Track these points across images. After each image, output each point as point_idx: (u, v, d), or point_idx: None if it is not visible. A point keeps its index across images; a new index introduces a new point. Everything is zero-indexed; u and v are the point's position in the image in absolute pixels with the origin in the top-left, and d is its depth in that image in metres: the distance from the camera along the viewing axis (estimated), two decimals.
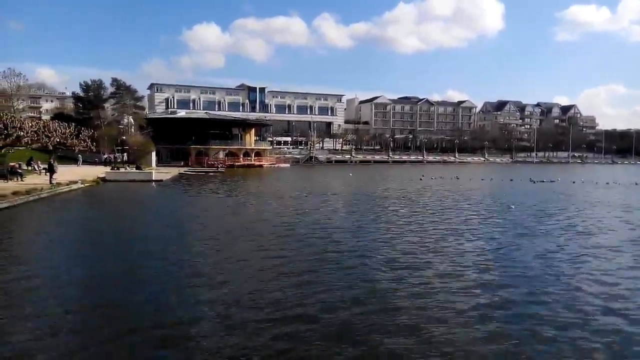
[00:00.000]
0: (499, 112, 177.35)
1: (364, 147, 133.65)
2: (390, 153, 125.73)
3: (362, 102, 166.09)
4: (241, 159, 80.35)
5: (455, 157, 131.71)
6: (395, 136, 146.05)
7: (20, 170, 36.40)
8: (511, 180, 51.37)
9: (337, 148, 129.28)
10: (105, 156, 61.95)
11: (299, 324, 8.27)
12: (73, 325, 8.17)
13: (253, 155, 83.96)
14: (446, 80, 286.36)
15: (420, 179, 51.69)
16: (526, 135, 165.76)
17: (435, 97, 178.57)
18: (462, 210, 24.51)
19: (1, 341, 7.48)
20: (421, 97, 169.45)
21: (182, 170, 60.02)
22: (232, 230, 18.06)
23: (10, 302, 9.34)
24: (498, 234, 17.51)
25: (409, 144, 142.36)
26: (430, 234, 17.42)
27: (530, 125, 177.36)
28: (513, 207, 25.76)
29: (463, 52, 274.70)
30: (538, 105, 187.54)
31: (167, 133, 75.51)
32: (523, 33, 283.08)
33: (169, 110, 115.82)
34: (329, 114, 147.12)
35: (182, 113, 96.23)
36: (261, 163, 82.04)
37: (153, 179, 42.92)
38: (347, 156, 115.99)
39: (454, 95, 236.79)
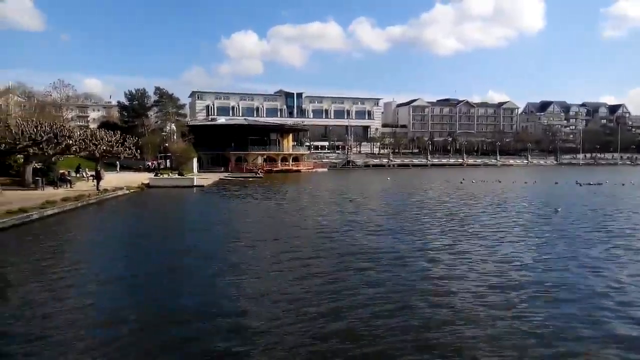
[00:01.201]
0: (542, 113, 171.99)
1: (402, 151, 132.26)
2: (429, 156, 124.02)
3: (399, 105, 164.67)
4: (279, 164, 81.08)
5: (496, 159, 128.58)
6: (434, 139, 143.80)
7: (69, 178, 37.89)
8: (556, 183, 49.68)
9: (374, 152, 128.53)
10: (148, 163, 63.81)
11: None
12: (119, 318, 8.47)
13: (291, 160, 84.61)
14: (486, 81, 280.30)
15: (461, 183, 50.71)
16: (571, 136, 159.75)
17: (475, 99, 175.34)
18: (505, 215, 23.85)
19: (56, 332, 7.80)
20: (460, 99, 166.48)
21: (222, 175, 61.14)
22: (278, 235, 18.21)
23: (64, 298, 9.74)
24: (545, 239, 16.91)
25: (449, 147, 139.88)
26: (474, 238, 17.02)
27: (575, 126, 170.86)
28: (559, 210, 24.86)
29: (504, 52, 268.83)
30: (584, 105, 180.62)
31: (208, 139, 77.13)
32: (566, 30, 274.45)
33: (210, 117, 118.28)
34: (366, 117, 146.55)
35: (222, 120, 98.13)
36: (299, 168, 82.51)
37: (195, 184, 43.86)
38: (384, 160, 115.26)
39: (495, 97, 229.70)
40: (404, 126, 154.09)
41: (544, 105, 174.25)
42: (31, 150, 32.18)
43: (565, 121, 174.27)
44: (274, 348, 7.50)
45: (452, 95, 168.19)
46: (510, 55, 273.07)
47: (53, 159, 37.49)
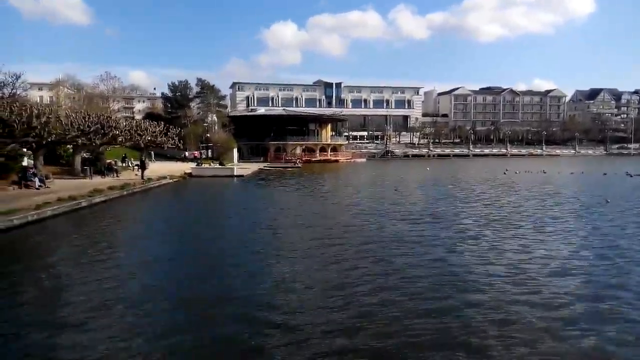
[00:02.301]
0: (591, 101, 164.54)
1: (443, 141, 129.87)
2: (471, 146, 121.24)
3: (440, 94, 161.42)
4: (318, 154, 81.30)
5: (542, 149, 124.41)
6: (477, 128, 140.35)
7: (116, 167, 39.29)
8: (604, 174, 47.58)
9: (414, 142, 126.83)
10: (187, 153, 64.87)
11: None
12: (164, 294, 8.84)
13: (329, 151, 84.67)
14: (532, 68, 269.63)
15: (504, 173, 49.40)
16: (622, 125, 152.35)
17: (520, 87, 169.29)
18: (552, 206, 23.11)
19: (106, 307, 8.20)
20: (505, 87, 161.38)
21: (262, 165, 61.88)
22: (316, 223, 18.36)
23: (112, 282, 10.21)
24: (594, 231, 16.32)
25: (492, 137, 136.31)
26: (516, 231, 16.60)
27: (627, 114, 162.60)
28: (609, 201, 23.88)
29: (550, 38, 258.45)
30: (636, 92, 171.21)
31: (248, 130, 78.20)
32: (617, 14, 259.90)
33: (250, 107, 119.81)
34: (406, 107, 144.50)
35: (261, 110, 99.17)
36: (337, 158, 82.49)
37: (235, 174, 44.62)
38: (424, 150, 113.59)
39: (541, 84, 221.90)
40: (445, 115, 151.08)
41: (593, 93, 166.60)
42: (80, 141, 33.53)
43: (615, 109, 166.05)
44: (299, 329, 7.61)
45: (496, 83, 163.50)
46: (557, 41, 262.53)
47: (100, 149, 38.99)
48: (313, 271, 11.35)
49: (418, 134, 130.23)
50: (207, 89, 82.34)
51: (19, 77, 34.99)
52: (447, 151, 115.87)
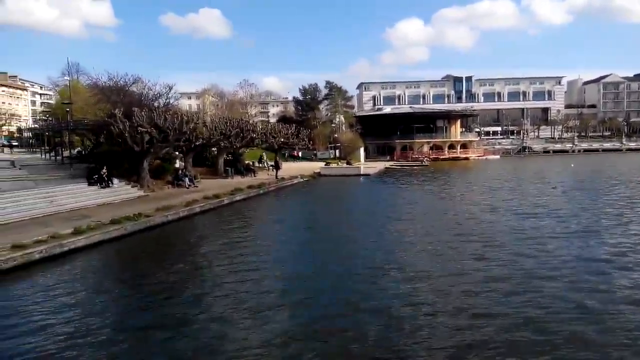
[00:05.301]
0: None
1: (590, 134, 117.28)
2: (624, 139, 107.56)
3: (586, 82, 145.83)
4: (446, 151, 78.76)
5: None
6: (631, 120, 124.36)
7: (253, 168, 42.24)
8: None
9: (554, 136, 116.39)
10: (299, 153, 65.74)
11: None
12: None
13: (459, 148, 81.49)
14: None
15: None
16: None
17: None
18: None
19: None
20: None
21: (388, 164, 61.80)
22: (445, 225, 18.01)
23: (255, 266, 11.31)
24: None
25: None
26: None
27: None
28: None
29: None
30: None
31: (374, 129, 78.64)
32: None
33: (376, 107, 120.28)
34: (546, 98, 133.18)
35: (387, 109, 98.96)
36: (467, 155, 79.04)
37: (361, 173, 45.28)
38: (568, 145, 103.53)
39: None
40: (592, 106, 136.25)
41: None
42: (222, 144, 36.76)
43: None
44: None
45: None
46: None
47: (240, 150, 42.26)
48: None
49: (560, 127, 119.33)
50: (334, 91, 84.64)
51: (171, 88, 39.34)
52: (596, 145, 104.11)
